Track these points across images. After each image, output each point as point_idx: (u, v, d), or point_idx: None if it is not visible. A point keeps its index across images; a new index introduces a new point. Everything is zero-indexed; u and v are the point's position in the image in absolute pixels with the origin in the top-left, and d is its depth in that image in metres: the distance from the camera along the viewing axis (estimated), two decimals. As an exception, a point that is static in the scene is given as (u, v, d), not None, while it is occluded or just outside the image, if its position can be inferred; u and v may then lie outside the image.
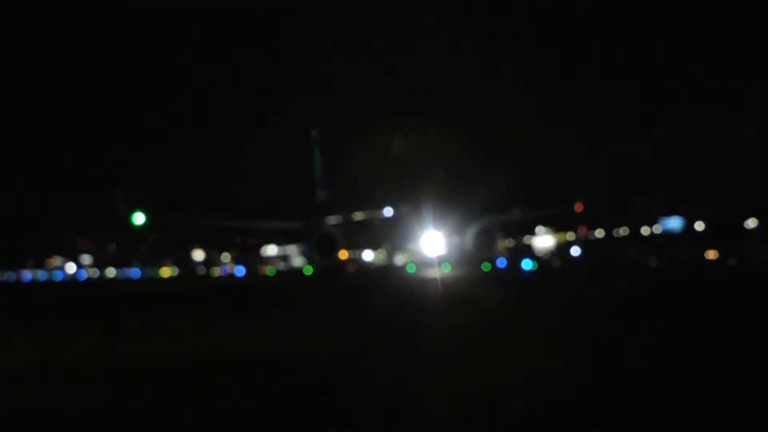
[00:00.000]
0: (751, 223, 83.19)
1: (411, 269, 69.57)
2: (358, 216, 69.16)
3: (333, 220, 68.07)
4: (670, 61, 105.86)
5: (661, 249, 75.52)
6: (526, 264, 67.53)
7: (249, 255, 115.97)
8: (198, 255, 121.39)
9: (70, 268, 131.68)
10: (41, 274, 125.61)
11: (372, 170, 68.97)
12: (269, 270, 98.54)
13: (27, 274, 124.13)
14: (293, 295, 29.15)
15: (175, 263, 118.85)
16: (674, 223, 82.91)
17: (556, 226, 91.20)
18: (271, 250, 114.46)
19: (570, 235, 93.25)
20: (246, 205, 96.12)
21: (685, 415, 7.22)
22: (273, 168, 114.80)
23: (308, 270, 74.96)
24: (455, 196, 63.71)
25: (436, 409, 7.48)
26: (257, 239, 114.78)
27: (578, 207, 63.43)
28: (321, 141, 79.18)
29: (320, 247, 61.73)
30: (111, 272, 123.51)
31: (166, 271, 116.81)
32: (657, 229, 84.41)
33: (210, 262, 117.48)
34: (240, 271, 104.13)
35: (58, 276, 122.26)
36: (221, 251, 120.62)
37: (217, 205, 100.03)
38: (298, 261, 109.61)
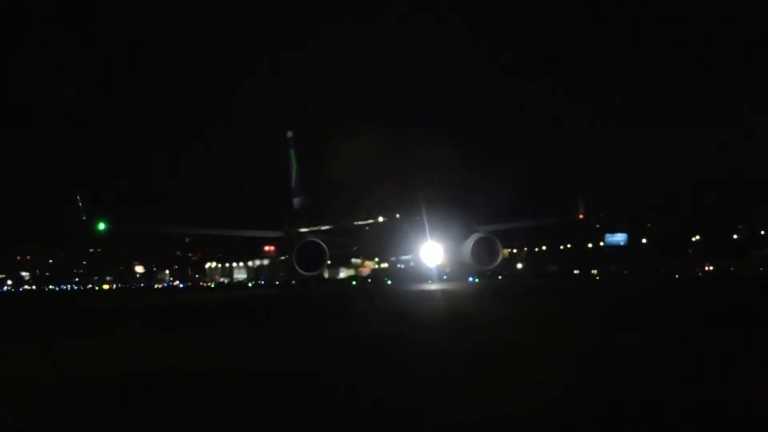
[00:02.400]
0: (696, 238, 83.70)
1: (353, 283, 68.30)
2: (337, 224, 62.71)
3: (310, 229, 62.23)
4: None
5: (605, 263, 75.46)
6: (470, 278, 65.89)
7: (190, 270, 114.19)
8: (138, 270, 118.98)
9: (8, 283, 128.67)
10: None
11: (352, 176, 63.68)
12: (210, 284, 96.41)
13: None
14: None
15: (115, 278, 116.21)
16: (619, 238, 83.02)
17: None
18: (213, 265, 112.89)
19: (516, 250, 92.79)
20: (212, 213, 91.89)
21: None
22: (241, 173, 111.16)
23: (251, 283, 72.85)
24: (452, 205, 57.90)
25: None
26: (199, 255, 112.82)
27: (580, 216, 60.75)
28: (297, 143, 74.64)
29: (303, 259, 55.37)
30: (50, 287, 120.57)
31: (106, 287, 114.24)
32: (602, 243, 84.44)
33: (151, 276, 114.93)
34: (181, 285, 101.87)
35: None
36: (162, 266, 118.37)
37: (179, 212, 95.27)
38: (241, 276, 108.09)
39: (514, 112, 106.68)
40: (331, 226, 62.16)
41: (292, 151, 74.50)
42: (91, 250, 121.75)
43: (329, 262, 58.61)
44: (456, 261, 59.77)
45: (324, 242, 56.39)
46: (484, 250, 56.49)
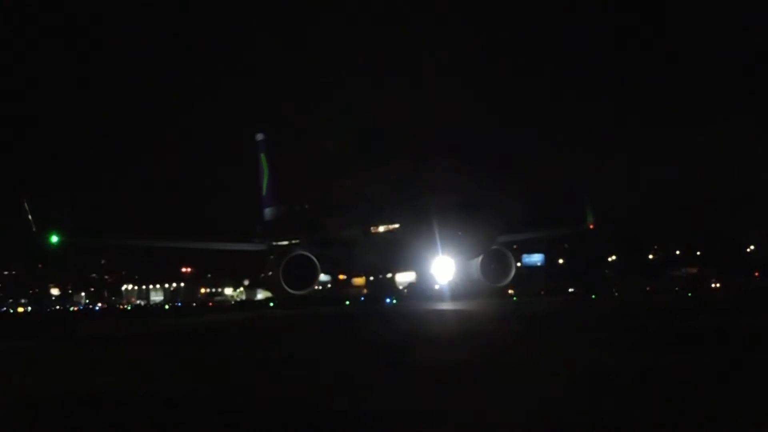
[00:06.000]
0: (611, 258, 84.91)
1: (271, 305, 67.20)
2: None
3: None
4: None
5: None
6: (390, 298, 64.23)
7: (107, 292, 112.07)
8: (54, 292, 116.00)
9: None
10: None
11: (345, 180, 57.16)
12: (126, 307, 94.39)
13: None
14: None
15: (30, 301, 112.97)
16: (536, 258, 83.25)
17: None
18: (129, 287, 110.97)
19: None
20: (170, 224, 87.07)
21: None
22: (202, 180, 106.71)
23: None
24: (471, 212, 48.61)
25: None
26: (115, 277, 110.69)
27: (591, 226, 58.03)
28: (269, 147, 67.64)
29: (291, 276, 49.44)
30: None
31: (21, 310, 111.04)
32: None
33: (66, 299, 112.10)
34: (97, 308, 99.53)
35: None
36: (78, 289, 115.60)
37: (139, 224, 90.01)
38: (157, 298, 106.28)
39: (514, 113, 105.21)
40: (316, 238, 55.43)
41: (263, 156, 67.53)
42: (6, 272, 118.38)
43: (321, 277, 53.11)
44: (464, 276, 52.53)
45: (314, 256, 50.24)
46: (496, 264, 51.27)
